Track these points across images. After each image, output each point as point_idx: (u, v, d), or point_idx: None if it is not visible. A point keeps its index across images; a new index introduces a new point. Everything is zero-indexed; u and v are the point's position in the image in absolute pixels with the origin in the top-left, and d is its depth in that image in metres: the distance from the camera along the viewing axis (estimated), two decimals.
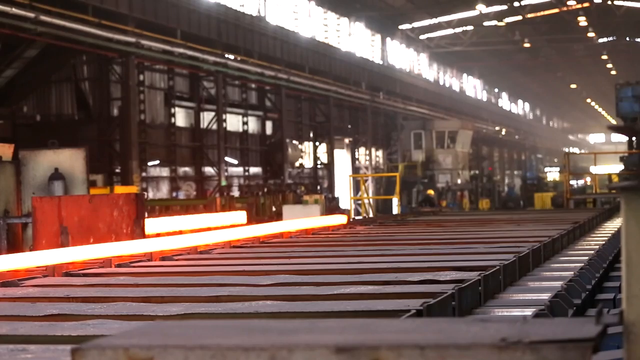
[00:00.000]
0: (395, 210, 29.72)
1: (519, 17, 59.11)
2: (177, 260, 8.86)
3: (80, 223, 11.13)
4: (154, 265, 8.35)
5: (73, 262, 7.75)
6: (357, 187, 39.26)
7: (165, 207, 22.49)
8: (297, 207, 24.21)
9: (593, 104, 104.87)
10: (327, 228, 13.16)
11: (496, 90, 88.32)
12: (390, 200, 39.50)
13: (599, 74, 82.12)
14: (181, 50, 31.43)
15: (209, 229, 13.20)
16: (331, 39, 48.17)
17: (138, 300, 5.89)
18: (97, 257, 7.89)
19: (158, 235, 11.90)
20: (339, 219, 13.89)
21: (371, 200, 33.97)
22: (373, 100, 50.16)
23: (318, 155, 45.63)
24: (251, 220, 17.69)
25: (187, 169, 35.07)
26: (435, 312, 4.82)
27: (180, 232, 12.51)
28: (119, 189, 23.53)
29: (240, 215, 15.26)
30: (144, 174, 30.90)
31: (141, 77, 31.01)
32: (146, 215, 12.64)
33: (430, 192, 43.12)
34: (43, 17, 24.50)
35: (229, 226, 13.77)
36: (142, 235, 11.13)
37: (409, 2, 55.38)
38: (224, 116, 35.53)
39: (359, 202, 31.63)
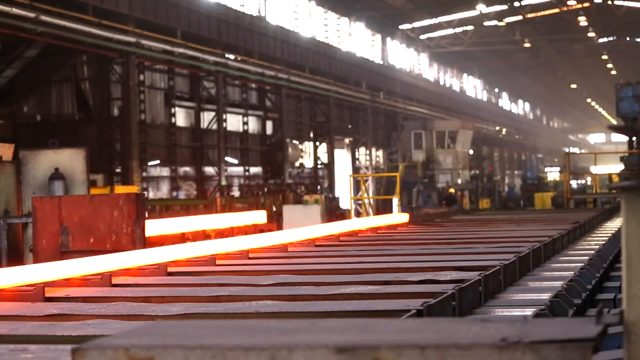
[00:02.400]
0: (396, 210, 29.70)
1: (519, 17, 59.12)
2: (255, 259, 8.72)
3: (81, 223, 11.13)
4: (242, 264, 8.24)
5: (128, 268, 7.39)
6: (357, 187, 39.27)
7: (166, 207, 22.48)
8: (297, 207, 24.19)
9: (593, 103, 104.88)
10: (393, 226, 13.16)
11: (496, 90, 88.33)
12: (391, 200, 39.53)
13: (599, 74, 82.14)
14: (181, 50, 31.44)
15: (232, 228, 13.31)
16: (331, 38, 48.18)
17: (138, 300, 5.89)
18: (151, 263, 7.50)
19: (183, 235, 11.93)
20: (401, 218, 13.89)
21: (371, 200, 33.96)
22: (373, 100, 50.16)
23: (318, 155, 45.63)
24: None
25: (187, 168, 35.08)
26: (435, 312, 4.82)
27: (204, 232, 12.56)
28: (119, 189, 23.54)
29: (261, 215, 15.30)
30: (144, 174, 30.91)
31: (141, 77, 31.02)
32: (146, 215, 12.64)
33: (451, 190, 43.29)
34: (43, 17, 24.51)
35: (250, 225, 13.88)
36: (143, 235, 11.12)
37: (409, 2, 55.39)
38: (224, 116, 35.54)
39: (359, 202, 31.63)
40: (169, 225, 12.19)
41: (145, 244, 11.23)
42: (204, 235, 12.20)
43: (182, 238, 11.63)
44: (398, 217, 13.79)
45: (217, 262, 8.09)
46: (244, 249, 8.85)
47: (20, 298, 5.90)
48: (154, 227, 11.92)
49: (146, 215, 12.14)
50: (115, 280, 6.69)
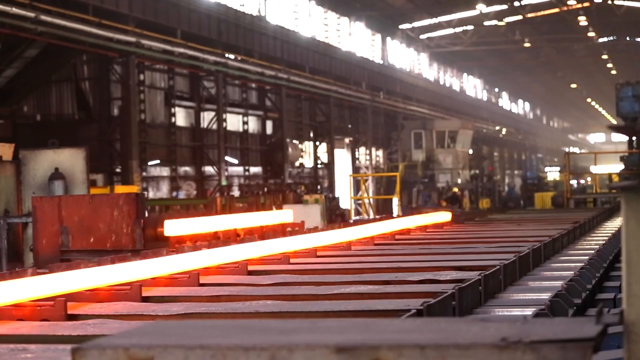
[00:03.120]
0: (396, 210, 29.70)
1: (519, 17, 59.12)
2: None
3: (81, 223, 11.13)
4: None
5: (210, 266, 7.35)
6: (357, 187, 39.27)
7: (166, 207, 22.47)
8: (297, 207, 24.19)
9: (593, 103, 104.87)
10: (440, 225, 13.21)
11: (496, 90, 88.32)
12: (391, 200, 39.53)
13: (599, 74, 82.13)
14: (181, 50, 31.43)
15: (262, 227, 13.38)
16: (331, 38, 48.18)
17: (138, 300, 5.89)
18: (231, 261, 7.48)
19: (215, 234, 11.95)
20: (444, 216, 13.96)
21: (371, 200, 33.96)
22: (373, 100, 50.16)
23: (318, 155, 45.63)
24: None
25: (187, 168, 35.08)
26: (435, 311, 4.82)
27: (235, 231, 12.61)
28: (119, 189, 23.53)
29: (288, 214, 15.35)
30: (144, 174, 30.91)
31: (141, 77, 31.02)
32: (146, 214, 12.63)
33: (456, 190, 43.36)
34: (43, 17, 24.51)
35: (279, 224, 13.97)
36: (142, 235, 11.12)
37: (409, 2, 55.37)
38: (224, 116, 35.54)
39: (359, 202, 31.64)
40: (200, 225, 12.29)
41: (145, 244, 11.24)
42: (235, 234, 12.29)
43: (215, 237, 11.72)
44: (441, 216, 13.95)
45: (291, 260, 8.08)
46: (311, 247, 8.89)
47: (118, 297, 5.82)
48: (185, 226, 12.00)
49: (145, 215, 12.12)
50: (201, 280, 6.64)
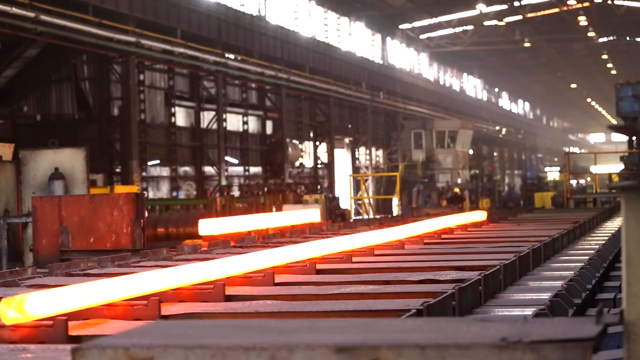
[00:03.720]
0: (396, 210, 29.71)
1: (519, 17, 59.12)
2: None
3: (80, 223, 11.13)
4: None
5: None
6: (357, 187, 39.28)
7: (166, 207, 22.47)
8: (297, 207, 24.20)
9: (593, 103, 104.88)
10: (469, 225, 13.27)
11: (496, 89, 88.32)
12: (390, 200, 39.53)
13: (599, 74, 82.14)
14: (181, 50, 31.44)
15: (293, 226, 13.47)
16: (331, 38, 48.18)
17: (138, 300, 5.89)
18: (299, 260, 7.49)
19: (249, 234, 12.01)
20: (480, 215, 14.01)
21: (371, 200, 33.97)
22: (373, 99, 50.16)
23: (318, 154, 45.63)
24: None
25: (187, 168, 35.08)
26: (435, 311, 4.82)
27: (267, 230, 12.68)
28: (119, 189, 23.53)
29: (315, 214, 15.44)
30: (144, 174, 30.91)
31: (141, 77, 31.02)
32: (145, 214, 12.63)
33: (457, 190, 43.41)
34: (43, 17, 24.51)
35: (307, 224, 14.06)
36: (142, 235, 11.13)
37: (409, 2, 55.38)
38: (224, 116, 35.54)
39: (359, 201, 31.65)
40: (233, 224, 12.37)
41: (145, 244, 11.24)
42: (267, 233, 12.40)
43: (273, 234, 11.84)
44: (478, 215, 14.03)
45: (353, 259, 8.09)
46: (368, 245, 8.92)
47: (201, 297, 5.79)
48: (218, 225, 12.06)
49: (145, 215, 12.13)
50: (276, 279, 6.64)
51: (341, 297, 5.74)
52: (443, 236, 10.97)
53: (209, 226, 11.83)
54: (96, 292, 5.19)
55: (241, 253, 9.56)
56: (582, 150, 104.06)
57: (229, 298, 5.82)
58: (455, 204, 40.28)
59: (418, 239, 10.21)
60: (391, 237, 9.87)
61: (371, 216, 27.89)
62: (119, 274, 7.54)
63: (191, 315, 5.20)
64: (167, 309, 5.37)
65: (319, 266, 7.40)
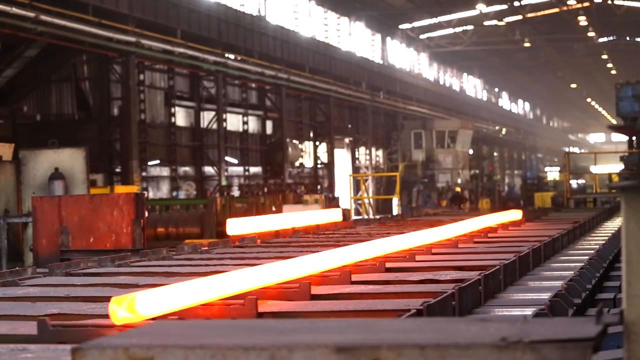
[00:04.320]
0: (396, 210, 29.72)
1: (519, 17, 59.13)
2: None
3: (80, 223, 11.14)
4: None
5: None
6: (357, 187, 39.28)
7: (166, 207, 22.49)
8: (297, 207, 24.22)
9: (593, 103, 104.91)
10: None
11: (496, 89, 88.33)
12: (390, 200, 39.54)
13: (599, 74, 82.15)
14: (181, 49, 31.44)
15: (317, 225, 13.57)
16: (331, 38, 48.18)
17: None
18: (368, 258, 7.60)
19: (277, 233, 12.10)
20: (517, 215, 14.01)
21: (371, 200, 33.98)
22: (373, 99, 50.17)
23: (318, 154, 45.64)
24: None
25: (187, 168, 35.09)
26: (435, 311, 4.82)
27: (293, 229, 12.75)
28: (119, 189, 23.54)
29: (337, 213, 15.53)
30: (144, 174, 30.91)
31: (141, 77, 31.03)
32: (145, 214, 12.64)
33: (458, 189, 43.44)
34: (43, 17, 24.52)
35: (331, 223, 14.15)
36: (142, 235, 11.13)
37: (409, 2, 55.39)
38: (224, 116, 35.55)
39: (359, 201, 31.66)
40: (260, 223, 12.44)
41: (145, 244, 11.24)
42: (292, 233, 12.47)
43: (276, 235, 11.87)
44: (514, 214, 14.04)
45: (416, 257, 8.12)
46: (426, 244, 9.00)
47: (288, 296, 5.72)
48: (246, 225, 12.10)
49: (145, 215, 12.14)
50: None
51: (341, 297, 5.74)
52: (490, 235, 11.00)
53: (236, 226, 11.88)
54: (200, 291, 5.10)
55: (241, 253, 9.57)
56: (582, 150, 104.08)
57: (313, 297, 5.77)
58: (457, 204, 40.30)
59: (467, 237, 10.25)
60: (444, 235, 9.96)
61: (371, 216, 27.89)
62: (120, 273, 7.54)
63: (285, 314, 5.15)
64: (261, 307, 5.30)
65: (388, 264, 7.40)
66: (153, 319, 4.63)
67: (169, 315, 4.88)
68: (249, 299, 5.12)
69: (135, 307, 4.57)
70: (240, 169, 38.14)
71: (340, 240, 11.06)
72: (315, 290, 5.92)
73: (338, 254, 7.15)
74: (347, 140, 49.42)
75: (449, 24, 60.28)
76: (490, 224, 12.20)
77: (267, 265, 6.10)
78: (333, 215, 15.20)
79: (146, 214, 13.09)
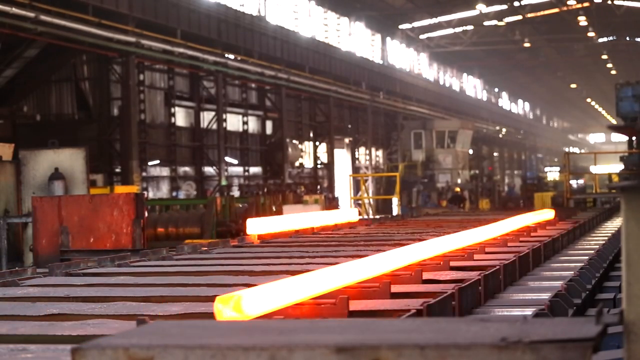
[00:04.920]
0: (395, 210, 29.72)
1: (519, 17, 59.13)
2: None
3: (80, 223, 11.14)
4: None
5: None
6: (357, 187, 39.28)
7: (166, 207, 22.49)
8: (297, 207, 24.22)
9: (593, 103, 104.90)
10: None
11: (496, 90, 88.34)
12: (390, 200, 39.55)
13: (599, 74, 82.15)
14: (181, 50, 31.45)
15: (336, 225, 13.67)
16: (331, 38, 48.19)
17: (138, 300, 5.89)
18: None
19: (297, 232, 12.18)
20: (550, 214, 14.03)
21: (371, 200, 33.98)
22: (373, 100, 50.17)
23: (318, 155, 45.64)
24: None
25: (187, 168, 35.09)
26: (435, 311, 4.82)
27: (312, 229, 12.84)
28: (119, 189, 23.54)
29: (354, 213, 15.62)
30: (144, 174, 30.92)
31: (141, 77, 31.03)
32: (145, 214, 12.63)
33: (457, 189, 43.47)
34: (43, 17, 24.52)
35: (346, 223, 14.24)
36: (142, 235, 11.13)
37: (409, 2, 55.39)
38: (224, 116, 35.55)
39: (359, 202, 31.64)
40: (279, 223, 12.50)
41: (145, 244, 11.25)
42: (312, 232, 12.57)
43: (275, 235, 11.95)
44: (547, 213, 14.08)
45: (475, 257, 8.12)
46: (478, 242, 9.06)
47: (369, 295, 5.69)
48: (266, 225, 12.14)
49: (145, 215, 12.14)
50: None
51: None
52: (532, 234, 11.04)
53: (256, 225, 11.92)
54: (298, 289, 5.05)
55: (241, 253, 9.57)
56: (582, 150, 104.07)
57: (393, 295, 5.75)
58: (456, 204, 40.28)
59: (513, 236, 10.29)
60: (493, 234, 10.01)
61: (371, 216, 27.89)
62: (120, 274, 7.53)
63: (373, 313, 5.12)
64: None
65: (452, 263, 7.40)
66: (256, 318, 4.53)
67: (272, 315, 4.81)
68: (341, 299, 5.06)
69: (241, 306, 4.48)
70: (240, 169, 38.15)
71: (340, 241, 11.06)
72: (393, 288, 5.91)
73: (405, 253, 7.15)
74: (347, 140, 49.42)
75: (448, 24, 60.28)
76: (528, 223, 12.25)
77: (348, 263, 6.06)
78: (350, 216, 15.29)
79: (146, 214, 13.09)
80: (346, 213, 15.80)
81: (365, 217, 28.06)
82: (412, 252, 7.28)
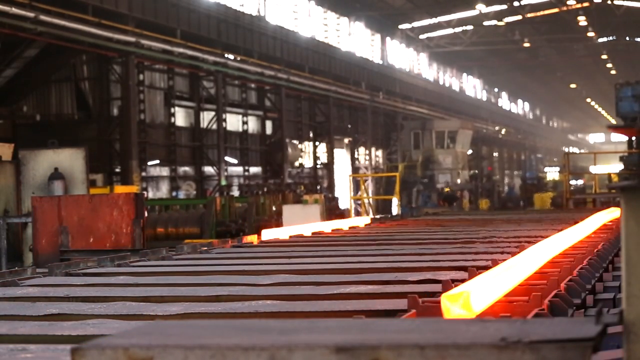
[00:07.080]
0: (395, 210, 29.72)
1: (519, 17, 59.14)
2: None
3: (80, 223, 11.13)
4: None
5: None
6: (356, 187, 39.28)
7: (165, 207, 22.49)
8: (297, 207, 24.21)
9: (593, 103, 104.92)
10: None
11: (496, 90, 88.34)
12: (390, 200, 39.54)
13: (599, 74, 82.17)
14: (181, 50, 31.45)
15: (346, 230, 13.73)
16: (331, 38, 48.19)
17: (138, 300, 5.89)
18: None
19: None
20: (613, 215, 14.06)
21: (371, 200, 33.98)
22: (373, 100, 50.18)
23: (318, 155, 45.65)
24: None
25: (187, 168, 35.09)
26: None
27: (322, 232, 12.86)
28: (119, 189, 23.54)
29: (366, 220, 15.65)
30: (143, 174, 30.92)
31: (141, 77, 31.03)
32: (145, 214, 12.63)
33: (447, 189, 43.54)
34: (43, 17, 24.52)
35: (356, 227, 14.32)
36: (142, 235, 11.13)
37: (409, 2, 55.41)
38: (223, 116, 35.55)
39: (359, 202, 31.65)
40: (295, 232, 12.49)
41: (145, 244, 11.24)
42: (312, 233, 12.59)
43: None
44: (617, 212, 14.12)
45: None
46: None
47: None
48: (280, 233, 12.13)
49: (145, 215, 12.14)
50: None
51: (341, 297, 5.74)
52: (605, 230, 11.09)
53: (271, 235, 11.90)
54: (512, 277, 5.04)
55: (240, 253, 9.56)
56: (582, 151, 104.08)
57: None
58: (450, 203, 40.39)
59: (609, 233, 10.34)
60: (586, 233, 10.04)
61: (371, 216, 27.88)
62: (119, 273, 7.52)
63: None
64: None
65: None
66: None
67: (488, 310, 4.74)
68: (534, 296, 5.01)
69: (470, 303, 4.37)
70: (240, 169, 38.15)
71: (340, 241, 11.06)
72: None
73: (548, 248, 7.18)
74: (346, 140, 49.43)
75: (448, 24, 60.29)
76: (605, 221, 12.28)
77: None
78: (362, 221, 15.33)
79: (146, 214, 13.09)
80: (358, 220, 15.74)
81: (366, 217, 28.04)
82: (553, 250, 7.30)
